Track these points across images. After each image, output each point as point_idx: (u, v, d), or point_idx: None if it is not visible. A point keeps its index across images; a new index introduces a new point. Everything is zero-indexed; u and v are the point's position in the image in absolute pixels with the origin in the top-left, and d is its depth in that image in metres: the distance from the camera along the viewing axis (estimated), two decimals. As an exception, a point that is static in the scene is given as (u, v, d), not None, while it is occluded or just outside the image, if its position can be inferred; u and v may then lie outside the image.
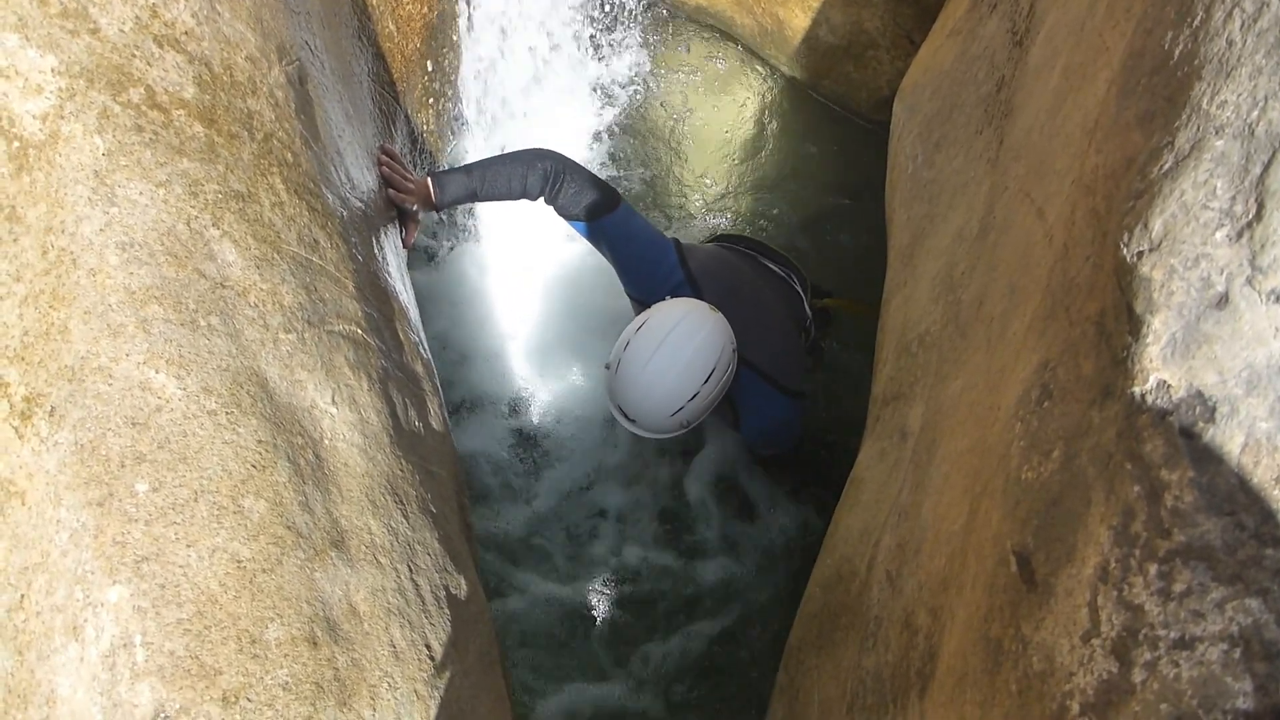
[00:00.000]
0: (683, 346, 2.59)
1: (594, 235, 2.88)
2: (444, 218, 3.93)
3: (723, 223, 4.16)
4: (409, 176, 2.56)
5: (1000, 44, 2.15)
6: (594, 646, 3.36)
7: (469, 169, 2.72)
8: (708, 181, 4.26)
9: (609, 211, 2.82)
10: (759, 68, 4.48)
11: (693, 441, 3.73)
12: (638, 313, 2.91)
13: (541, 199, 2.82)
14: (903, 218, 2.44)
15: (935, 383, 1.76)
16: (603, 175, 4.26)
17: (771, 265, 3.26)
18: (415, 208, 2.58)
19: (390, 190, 2.50)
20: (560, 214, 2.85)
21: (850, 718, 1.61)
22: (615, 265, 2.96)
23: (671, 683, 3.29)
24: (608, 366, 2.73)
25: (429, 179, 2.62)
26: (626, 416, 2.69)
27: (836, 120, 4.34)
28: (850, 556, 1.90)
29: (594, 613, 3.45)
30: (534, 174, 2.74)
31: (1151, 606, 0.86)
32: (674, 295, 2.83)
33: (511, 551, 3.51)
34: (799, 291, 3.25)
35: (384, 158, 2.52)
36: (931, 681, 1.28)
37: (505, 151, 2.83)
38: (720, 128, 4.37)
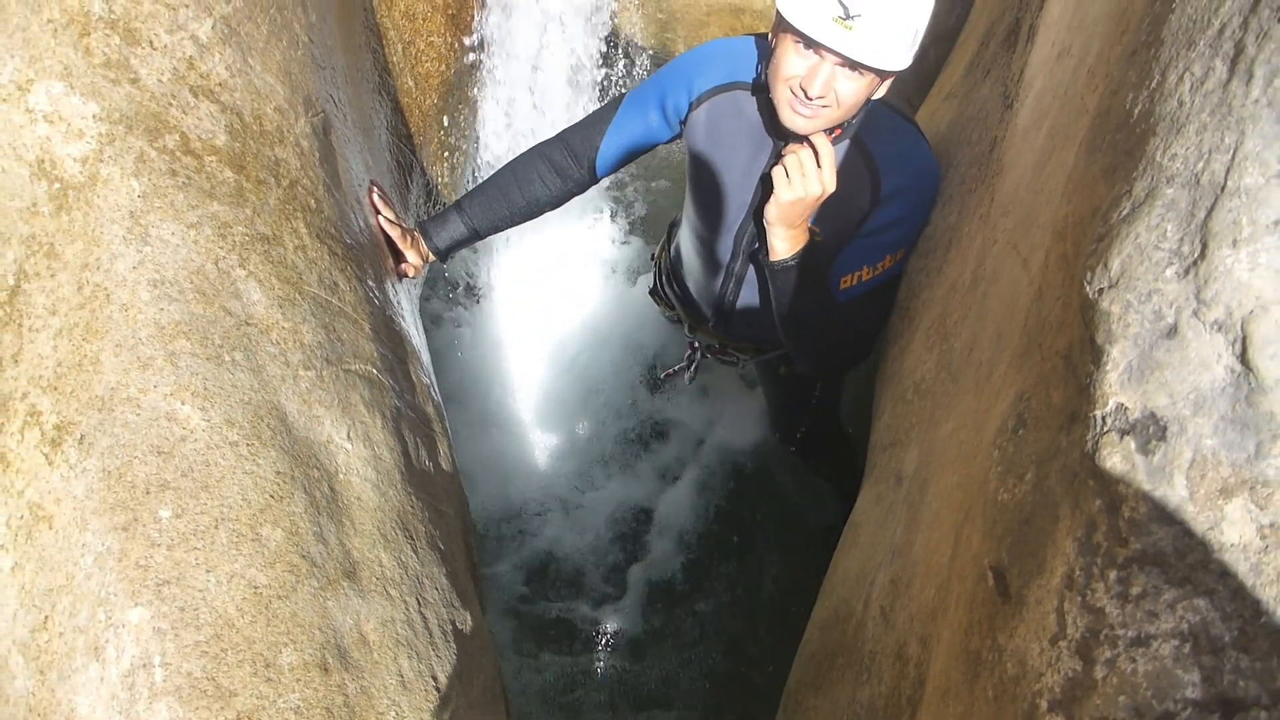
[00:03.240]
0: None
1: (640, 110, 2.50)
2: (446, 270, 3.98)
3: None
4: (402, 226, 2.40)
5: (993, 107, 2.25)
6: (591, 688, 3.38)
7: (458, 206, 2.54)
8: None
9: (626, 95, 2.51)
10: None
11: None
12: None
13: (568, 177, 2.53)
14: (900, 272, 2.52)
15: (929, 427, 1.83)
16: (617, 222, 4.40)
17: None
18: (416, 264, 2.42)
19: (394, 256, 2.36)
20: (593, 159, 2.53)
21: (845, 751, 1.65)
22: (695, 86, 2.43)
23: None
24: None
25: (418, 230, 2.48)
26: (848, 12, 1.97)
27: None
28: (848, 598, 1.95)
29: (594, 661, 3.47)
30: (536, 166, 2.52)
31: (1111, 609, 0.92)
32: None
33: (514, 595, 3.55)
34: None
35: (376, 201, 2.30)
36: (920, 706, 1.33)
37: (488, 179, 2.60)
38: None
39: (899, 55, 2.03)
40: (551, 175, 2.55)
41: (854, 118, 2.24)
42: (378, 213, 2.29)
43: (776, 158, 2.32)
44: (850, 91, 2.08)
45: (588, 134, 2.52)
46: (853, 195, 2.33)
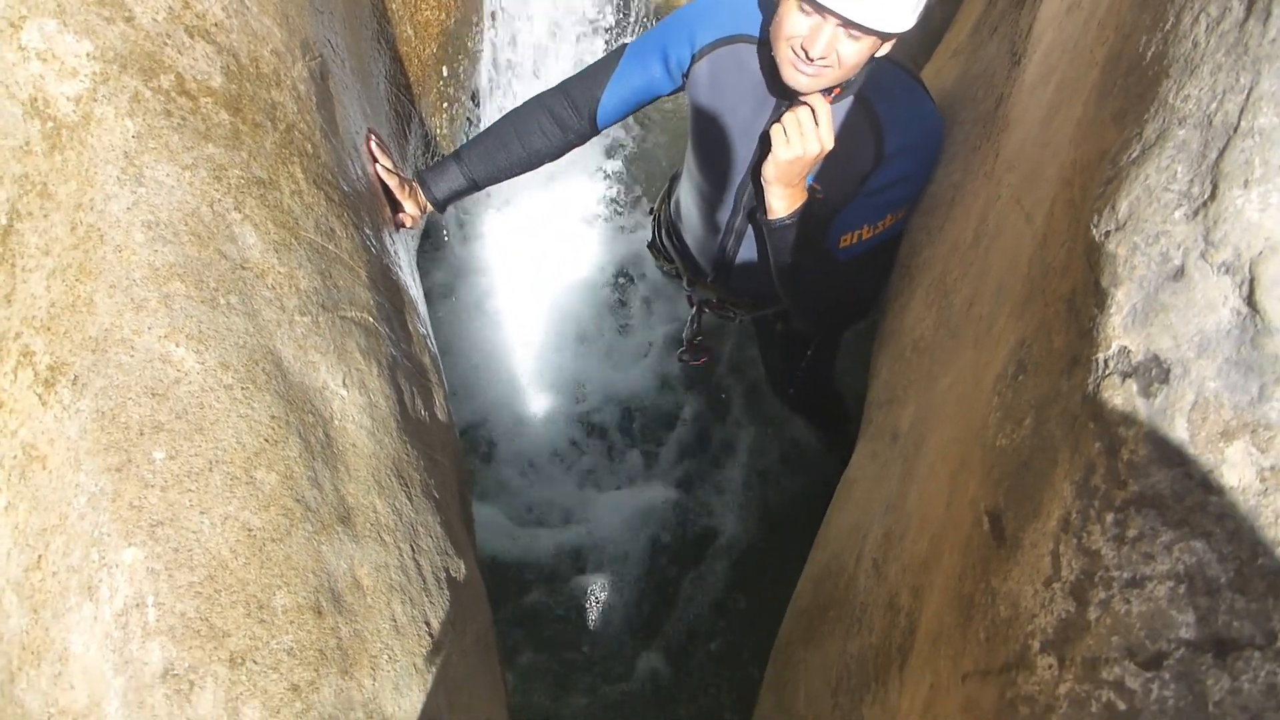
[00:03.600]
0: None
1: (642, 62, 2.46)
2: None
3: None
4: (400, 175, 2.37)
5: (1000, 64, 2.22)
6: (584, 638, 3.40)
7: (456, 156, 2.50)
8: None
9: (628, 45, 2.45)
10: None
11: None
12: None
13: (568, 128, 2.50)
14: (902, 230, 2.50)
15: (926, 384, 1.82)
16: (615, 177, 4.37)
17: None
18: (414, 214, 2.40)
19: (391, 206, 2.33)
20: (594, 110, 2.50)
21: (835, 701, 1.66)
22: (698, 38, 2.39)
23: (658, 677, 3.33)
24: None
25: (416, 181, 2.45)
26: None
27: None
28: (840, 553, 1.96)
29: (586, 605, 3.49)
30: (537, 117, 2.49)
31: (1107, 551, 0.92)
32: None
33: (507, 545, 3.56)
34: None
35: (374, 150, 2.27)
36: (911, 653, 1.33)
37: (489, 128, 2.56)
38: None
39: (902, 17, 2.00)
40: (551, 126, 2.52)
41: (858, 75, 2.21)
42: (375, 161, 2.26)
43: (778, 115, 2.30)
44: (853, 52, 2.06)
45: (589, 85, 2.48)
46: (856, 153, 2.31)
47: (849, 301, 2.66)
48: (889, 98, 2.29)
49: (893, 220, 2.41)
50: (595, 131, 2.58)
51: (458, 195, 2.55)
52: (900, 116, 2.29)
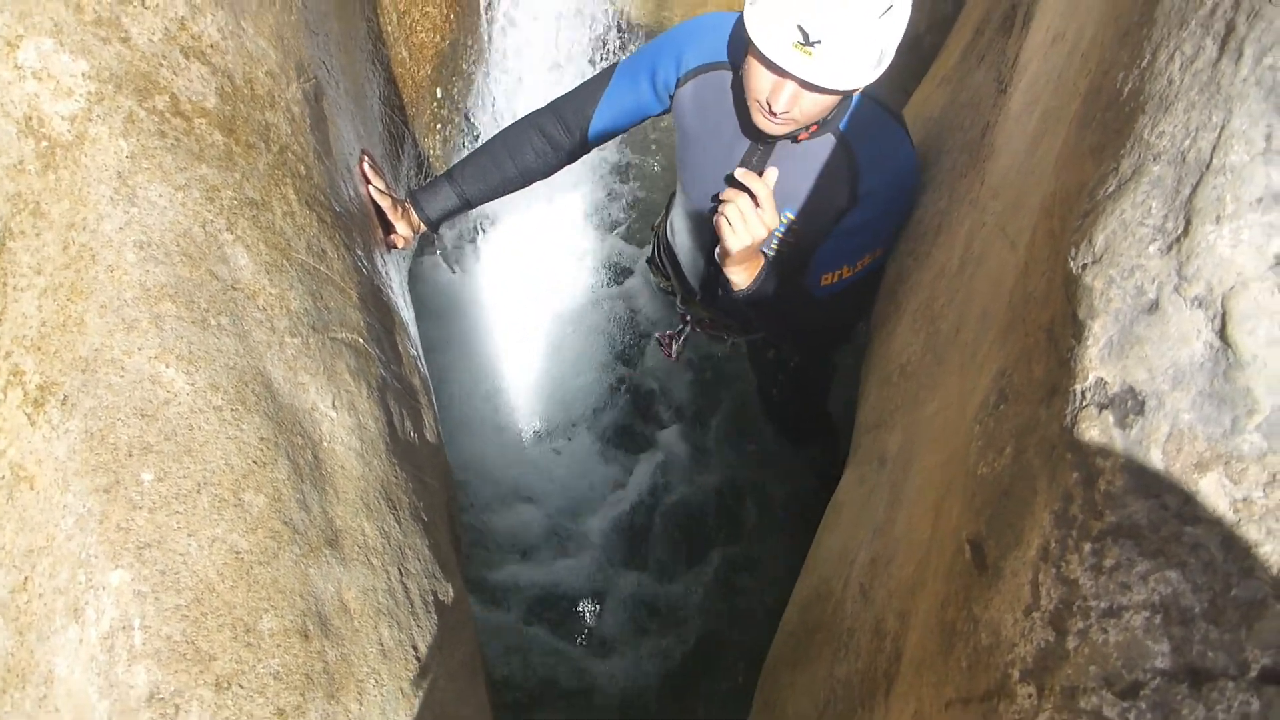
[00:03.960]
0: None
1: (632, 82, 2.46)
2: (439, 237, 3.97)
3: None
4: (393, 196, 2.36)
5: (986, 92, 2.25)
6: (574, 662, 3.39)
7: (449, 176, 2.52)
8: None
9: (617, 64, 2.46)
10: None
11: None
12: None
13: (559, 147, 2.51)
14: (889, 256, 2.52)
15: (913, 408, 1.84)
16: (613, 199, 4.39)
17: None
18: (406, 235, 2.40)
19: (383, 227, 2.34)
20: (585, 129, 2.50)
21: (821, 726, 1.66)
22: (685, 62, 2.40)
23: (647, 703, 3.33)
24: None
25: (408, 200, 2.46)
26: (807, 39, 1.95)
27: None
28: (828, 577, 1.96)
29: (570, 631, 3.48)
30: (528, 136, 2.50)
31: (1085, 580, 0.94)
32: None
33: (497, 566, 3.56)
34: None
35: (367, 171, 2.27)
36: (896, 679, 1.34)
37: (479, 148, 2.58)
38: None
39: (862, 76, 2.03)
40: (543, 145, 2.53)
41: (836, 111, 2.24)
42: (368, 182, 2.28)
43: (750, 159, 2.34)
44: (815, 107, 2.10)
45: (580, 104, 2.50)
46: (832, 191, 2.34)
47: (831, 328, 2.68)
48: (867, 137, 2.29)
49: (871, 259, 2.44)
50: (587, 149, 2.60)
51: (450, 214, 2.56)
52: (876, 157, 2.30)
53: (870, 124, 2.29)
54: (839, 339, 2.79)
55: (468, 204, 2.56)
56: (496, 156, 2.53)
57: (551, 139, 2.53)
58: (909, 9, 2.01)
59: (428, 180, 2.71)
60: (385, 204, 2.31)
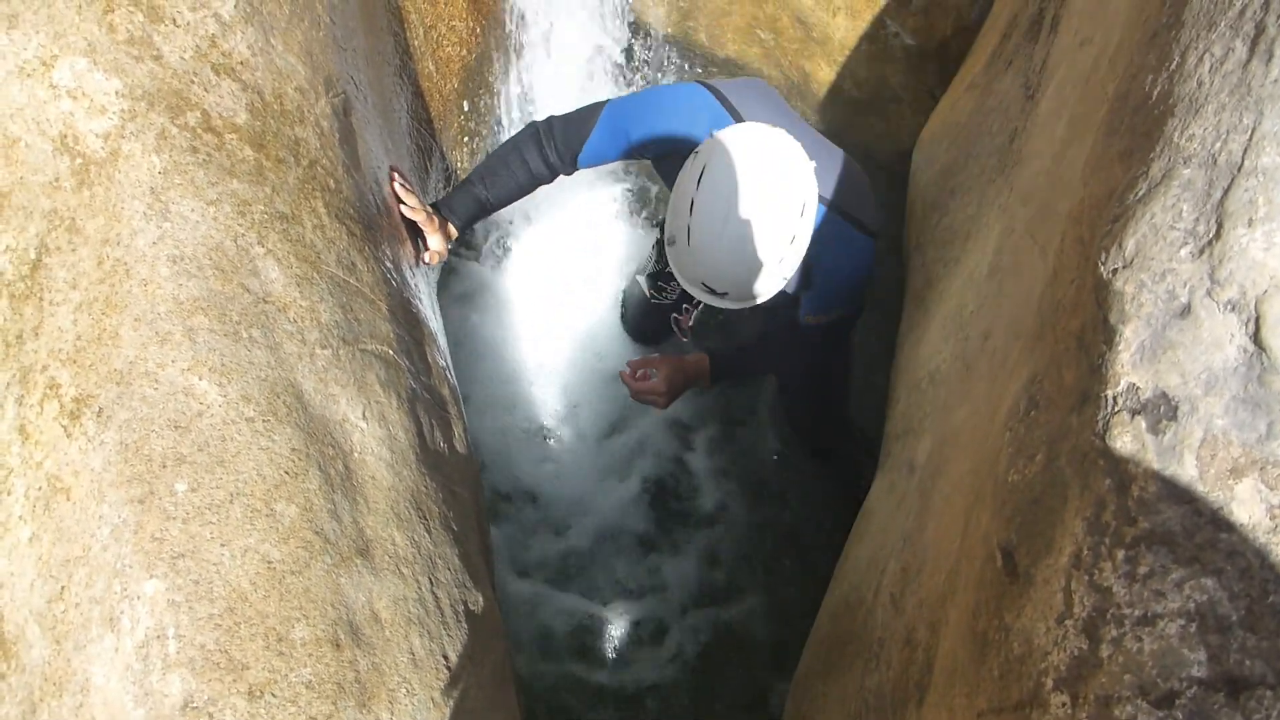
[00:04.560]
0: (764, 174, 2.05)
1: (610, 142, 2.49)
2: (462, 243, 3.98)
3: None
4: (426, 210, 2.40)
5: (1014, 97, 2.24)
6: (597, 670, 3.39)
7: (469, 181, 2.55)
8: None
9: (599, 112, 2.49)
10: (785, 119, 4.58)
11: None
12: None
13: (554, 168, 2.56)
14: (918, 262, 2.51)
15: (942, 416, 1.83)
16: (629, 219, 4.38)
17: None
18: (441, 250, 2.44)
19: (419, 239, 2.39)
20: (574, 159, 2.54)
21: (853, 737, 1.65)
22: (649, 150, 2.49)
23: (674, 708, 3.31)
24: (670, 241, 2.24)
25: (435, 211, 2.46)
26: (714, 291, 2.18)
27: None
28: (858, 585, 1.95)
29: (600, 640, 3.47)
30: (529, 151, 2.52)
31: (1119, 588, 0.92)
32: None
33: (522, 577, 3.56)
34: None
35: (399, 191, 2.30)
36: (928, 690, 1.33)
37: (492, 153, 2.64)
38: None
39: (771, 292, 2.24)
40: (539, 162, 2.56)
41: None
42: (400, 202, 2.29)
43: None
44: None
45: (571, 136, 2.53)
46: (786, 298, 2.46)
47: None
48: (828, 253, 2.33)
49: (840, 316, 2.56)
50: (577, 171, 2.65)
51: (475, 219, 2.61)
52: (832, 270, 2.39)
53: (835, 240, 2.34)
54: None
55: (487, 207, 2.60)
56: (509, 163, 2.56)
57: (547, 160, 2.57)
58: (810, 224, 2.15)
59: (449, 190, 2.75)
60: (420, 218, 2.33)
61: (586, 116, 2.51)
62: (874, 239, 2.38)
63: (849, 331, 2.75)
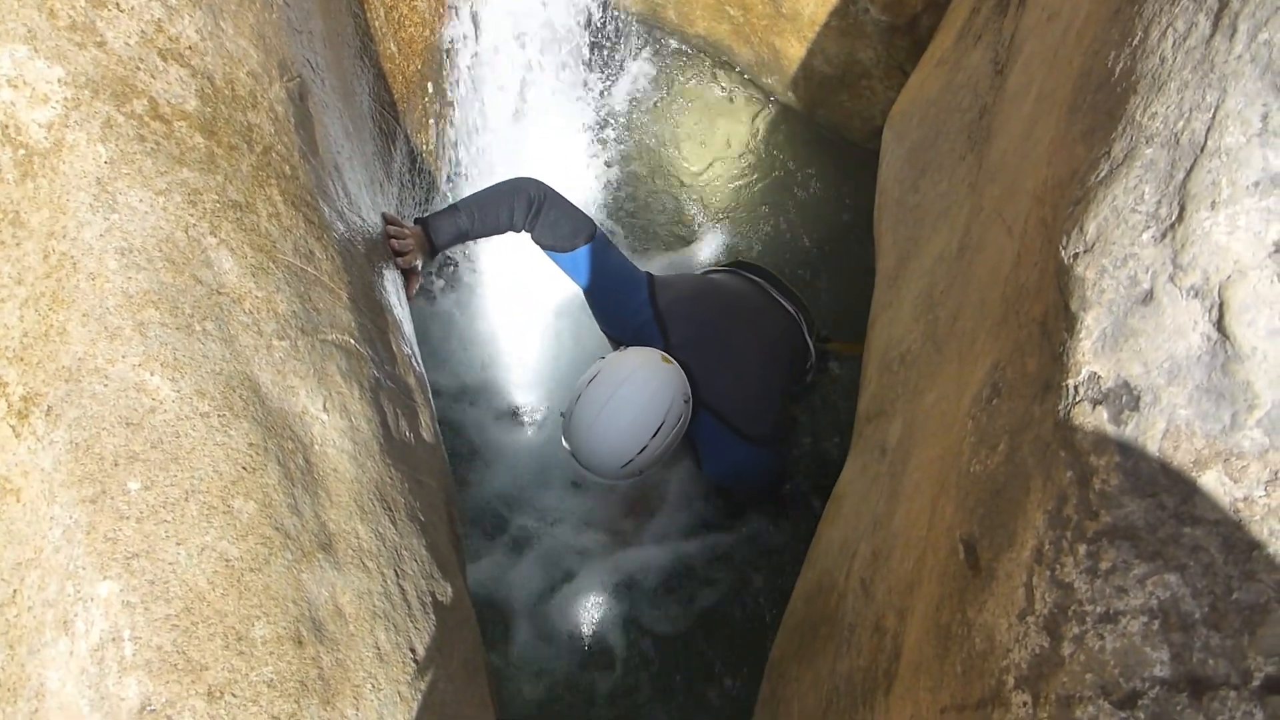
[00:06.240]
0: (630, 401, 2.69)
1: (568, 265, 2.91)
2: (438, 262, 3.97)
3: (718, 246, 4.22)
4: (405, 230, 2.59)
5: (983, 73, 2.21)
6: (575, 663, 3.38)
7: (456, 209, 2.76)
8: (703, 205, 4.32)
9: (584, 243, 2.85)
10: (756, 95, 4.55)
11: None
12: (614, 347, 3.04)
13: (524, 230, 2.85)
14: (889, 241, 2.48)
15: (913, 398, 1.81)
16: (597, 200, 4.34)
17: (782, 300, 3.30)
18: (419, 262, 2.61)
19: (395, 256, 2.53)
20: (537, 242, 2.88)
21: (825, 722, 1.64)
22: (587, 298, 3.02)
23: (653, 694, 3.31)
24: (563, 415, 2.82)
25: (422, 226, 2.65)
26: (580, 463, 2.80)
27: (831, 147, 4.39)
28: (830, 569, 1.94)
29: (575, 637, 3.46)
30: (518, 204, 2.77)
31: (1080, 584, 0.90)
32: (639, 333, 2.93)
33: (493, 567, 3.54)
34: (804, 332, 3.29)
35: (393, 245, 2.53)
36: (895, 679, 1.31)
37: (489, 186, 2.87)
38: (716, 153, 4.43)
39: (626, 481, 2.92)
40: (521, 219, 2.81)
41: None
42: (398, 255, 2.51)
43: None
44: None
45: (547, 231, 2.83)
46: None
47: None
48: (705, 444, 2.98)
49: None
50: None
51: (453, 244, 2.80)
52: (713, 455, 3.01)
53: (714, 442, 2.98)
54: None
55: (466, 237, 2.80)
56: (499, 208, 2.79)
57: (527, 222, 2.82)
58: (655, 457, 2.78)
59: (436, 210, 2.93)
60: (408, 246, 2.55)
61: (568, 232, 2.84)
62: (763, 445, 2.99)
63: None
